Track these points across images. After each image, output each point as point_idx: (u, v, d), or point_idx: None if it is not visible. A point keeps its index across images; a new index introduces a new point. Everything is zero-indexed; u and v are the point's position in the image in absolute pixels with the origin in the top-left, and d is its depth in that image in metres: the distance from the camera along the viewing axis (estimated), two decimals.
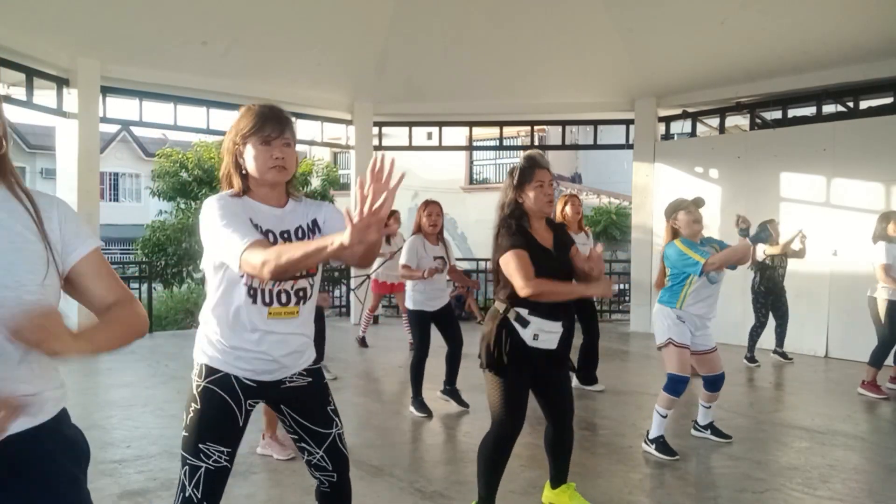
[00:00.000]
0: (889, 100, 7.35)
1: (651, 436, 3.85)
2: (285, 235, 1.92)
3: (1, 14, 6.24)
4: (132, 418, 4.55)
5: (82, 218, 1.38)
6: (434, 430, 4.42)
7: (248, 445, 3.90)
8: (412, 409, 4.68)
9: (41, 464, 1.26)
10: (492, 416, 2.77)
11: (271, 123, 1.87)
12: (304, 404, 2.01)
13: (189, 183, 13.59)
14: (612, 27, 7.63)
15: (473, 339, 3.55)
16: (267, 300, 1.88)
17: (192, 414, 1.88)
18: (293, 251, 1.63)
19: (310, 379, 2.02)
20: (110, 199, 27.34)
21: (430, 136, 12.24)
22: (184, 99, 8.32)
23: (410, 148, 10.94)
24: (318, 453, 2.00)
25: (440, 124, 10.23)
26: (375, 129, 9.93)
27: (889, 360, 5.48)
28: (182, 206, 13.66)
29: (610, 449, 4.03)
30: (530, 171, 2.73)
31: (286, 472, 3.55)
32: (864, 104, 7.69)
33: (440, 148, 11.01)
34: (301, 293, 1.93)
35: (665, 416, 3.82)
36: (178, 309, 13.07)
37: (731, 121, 9.26)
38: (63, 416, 1.35)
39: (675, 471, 3.63)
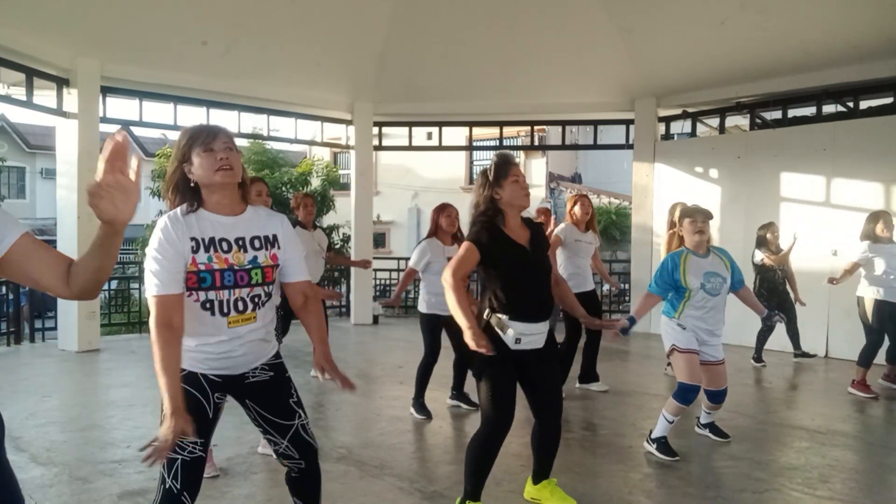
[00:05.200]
0: (889, 100, 7.34)
1: (654, 435, 3.85)
2: (240, 242, 2.02)
3: (1, 14, 6.23)
4: (132, 418, 4.55)
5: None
6: (434, 431, 4.42)
7: (248, 445, 3.90)
8: (412, 410, 4.69)
9: None
10: (481, 415, 2.82)
11: (206, 131, 2.02)
12: (266, 398, 2.13)
13: None
14: (612, 27, 7.63)
15: None
16: (225, 310, 2.00)
17: (165, 411, 2.01)
18: (160, 363, 1.88)
19: (272, 374, 2.15)
20: None
21: (430, 136, 12.24)
22: (184, 99, 8.32)
23: (410, 148, 10.94)
24: (282, 443, 2.14)
25: (440, 124, 10.22)
26: (375, 129, 9.93)
27: (881, 359, 5.49)
28: None
29: (610, 449, 4.03)
30: (505, 166, 2.81)
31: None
32: (864, 104, 7.69)
33: (440, 148, 11.00)
34: (257, 299, 2.05)
35: (671, 423, 3.81)
36: None
37: (731, 121, 9.25)
38: None
39: (675, 471, 3.63)
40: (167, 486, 1.98)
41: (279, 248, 2.09)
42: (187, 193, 2.01)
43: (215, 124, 2.12)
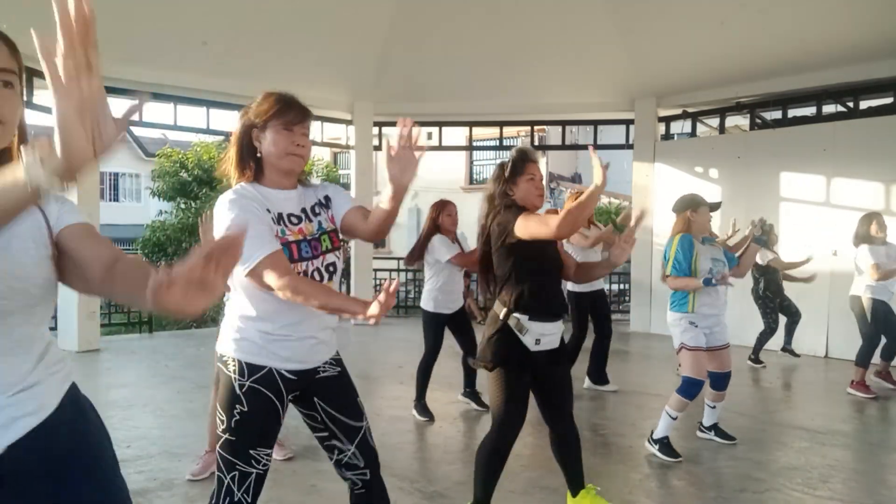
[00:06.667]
0: (889, 100, 7.35)
1: (656, 436, 3.83)
2: (304, 212, 1.91)
3: (1, 14, 6.23)
4: (132, 418, 4.55)
5: (82, 217, 1.32)
6: (434, 431, 4.42)
7: None
8: (414, 412, 4.65)
9: (46, 469, 1.21)
10: (493, 418, 2.73)
11: (295, 110, 1.84)
12: (337, 395, 1.95)
13: (189, 183, 13.59)
14: (612, 27, 7.63)
15: (478, 338, 3.58)
16: None
17: (237, 416, 1.77)
18: (316, 296, 1.66)
19: (339, 369, 1.99)
20: (110, 199, 27.32)
21: (430, 136, 12.21)
22: (184, 99, 8.33)
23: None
24: (349, 449, 1.93)
25: (440, 124, 10.22)
26: (375, 129, 9.93)
27: (875, 358, 5.50)
28: (182, 206, 13.65)
29: (610, 449, 4.03)
30: (522, 163, 2.70)
31: (286, 472, 3.55)
32: (864, 104, 7.70)
33: (440, 148, 11.00)
34: (331, 268, 1.91)
35: (675, 419, 3.81)
36: None
37: (731, 121, 9.27)
38: (67, 400, 1.27)
39: (675, 471, 3.63)
40: (236, 499, 1.77)
41: (332, 207, 1.98)
42: (250, 162, 1.86)
43: (304, 104, 1.89)
